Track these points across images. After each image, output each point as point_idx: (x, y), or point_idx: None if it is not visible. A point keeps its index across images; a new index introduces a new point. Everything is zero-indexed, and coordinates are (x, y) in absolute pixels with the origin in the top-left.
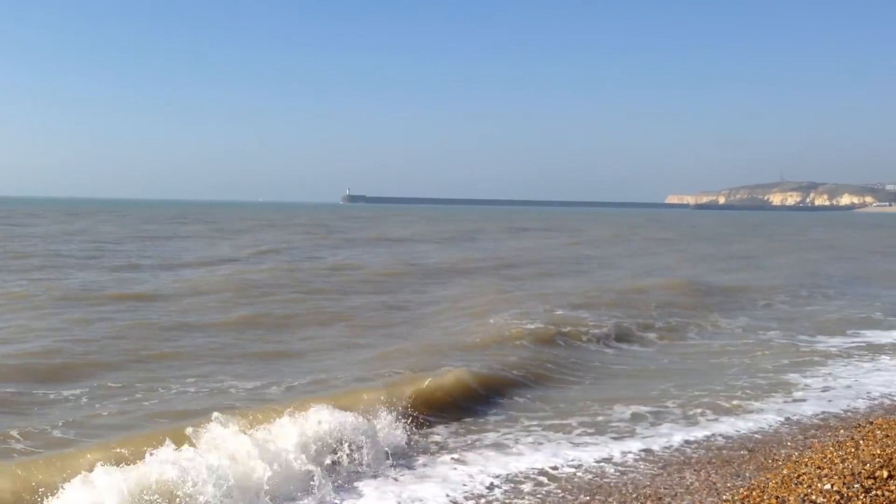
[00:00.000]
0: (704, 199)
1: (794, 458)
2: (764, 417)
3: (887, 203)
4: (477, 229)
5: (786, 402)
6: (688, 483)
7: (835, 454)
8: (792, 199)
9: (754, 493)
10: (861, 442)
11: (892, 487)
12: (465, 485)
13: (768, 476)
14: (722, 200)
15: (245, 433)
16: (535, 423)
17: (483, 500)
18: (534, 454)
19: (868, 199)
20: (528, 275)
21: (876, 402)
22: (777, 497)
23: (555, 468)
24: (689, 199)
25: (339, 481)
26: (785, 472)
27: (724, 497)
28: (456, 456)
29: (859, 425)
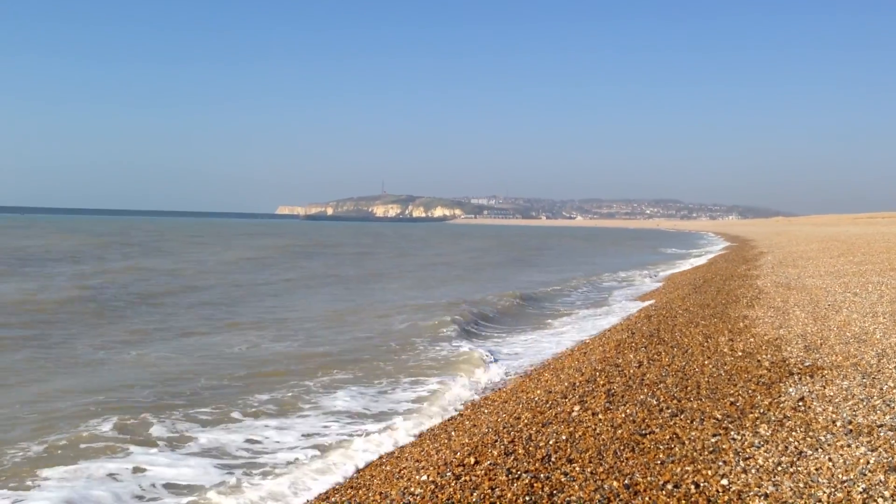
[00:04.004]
0: (314, 210)
1: (395, 453)
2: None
3: (472, 215)
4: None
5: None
6: None
7: (430, 446)
8: (393, 210)
9: (360, 492)
10: (453, 433)
11: (479, 472)
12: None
13: (373, 473)
14: (330, 211)
15: None
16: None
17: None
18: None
19: (457, 211)
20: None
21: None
22: (381, 493)
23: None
24: (300, 210)
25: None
26: (388, 468)
27: (334, 499)
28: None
29: (452, 417)
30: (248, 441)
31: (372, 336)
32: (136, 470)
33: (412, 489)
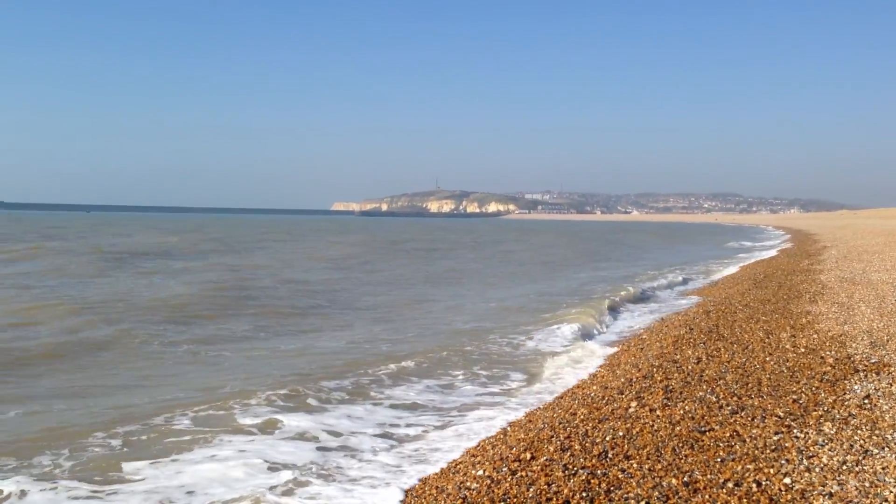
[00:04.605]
0: (369, 206)
1: (448, 448)
2: None
3: (527, 210)
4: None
5: None
6: None
7: (486, 441)
8: (447, 206)
9: (416, 486)
10: (508, 428)
11: (535, 468)
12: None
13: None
14: (385, 207)
15: None
16: None
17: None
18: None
19: (511, 206)
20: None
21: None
22: (437, 487)
23: None
24: (355, 206)
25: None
26: (444, 464)
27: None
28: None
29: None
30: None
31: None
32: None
33: (468, 483)
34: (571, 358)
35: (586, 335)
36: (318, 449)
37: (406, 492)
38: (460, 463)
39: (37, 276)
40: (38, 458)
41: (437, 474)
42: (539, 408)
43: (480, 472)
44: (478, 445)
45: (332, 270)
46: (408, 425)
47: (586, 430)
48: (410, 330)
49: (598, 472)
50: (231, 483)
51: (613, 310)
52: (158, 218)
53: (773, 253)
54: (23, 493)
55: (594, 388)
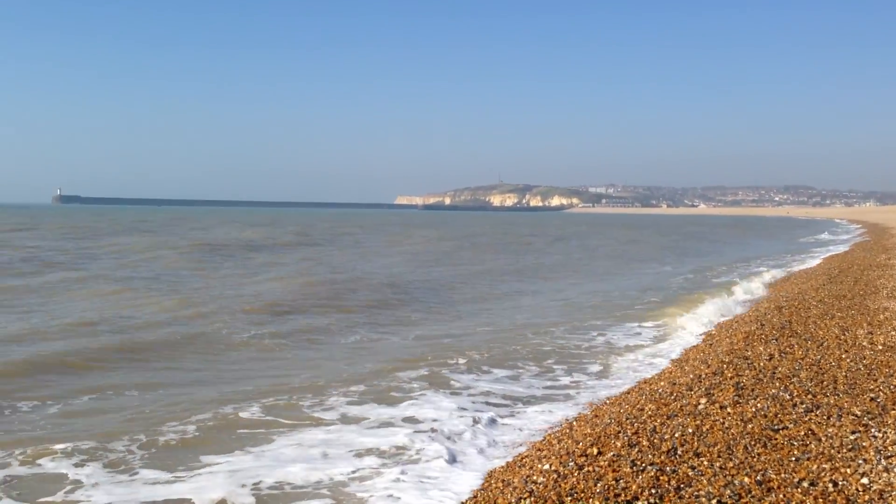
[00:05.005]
0: (432, 200)
1: (517, 442)
2: None
3: (590, 204)
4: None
5: None
6: None
7: (552, 436)
8: (510, 199)
9: (483, 479)
10: (574, 423)
11: (602, 463)
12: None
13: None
14: (448, 201)
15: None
16: None
17: None
18: None
19: (575, 200)
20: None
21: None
22: (503, 480)
23: None
24: (418, 200)
25: None
26: (510, 458)
27: None
28: None
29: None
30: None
31: None
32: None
33: (534, 477)
34: (643, 353)
35: (662, 332)
36: (397, 438)
37: (486, 474)
38: (526, 457)
39: (144, 269)
40: (155, 436)
41: (503, 467)
42: (606, 402)
43: (547, 467)
44: (544, 439)
45: (418, 264)
46: (477, 419)
47: (654, 426)
48: (494, 323)
49: (667, 468)
50: (314, 467)
51: (689, 306)
52: (228, 212)
53: (847, 247)
54: (132, 471)
55: (662, 383)
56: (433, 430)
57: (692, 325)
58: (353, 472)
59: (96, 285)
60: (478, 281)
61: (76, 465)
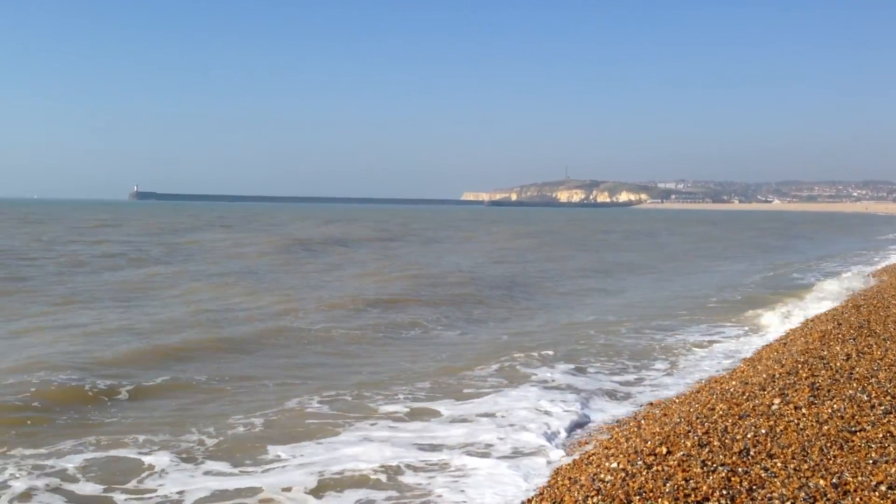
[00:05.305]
0: (498, 196)
1: (583, 440)
2: None
3: (659, 200)
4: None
5: None
6: None
7: (619, 433)
8: (577, 195)
9: (549, 476)
10: (642, 421)
11: (671, 462)
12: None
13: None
14: (514, 197)
15: None
16: None
17: None
18: None
19: (643, 195)
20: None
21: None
22: (570, 478)
23: None
24: (485, 196)
25: None
26: (576, 455)
27: None
28: None
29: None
30: None
31: None
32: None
33: (602, 475)
34: (715, 352)
35: (736, 331)
36: (467, 431)
37: (552, 471)
38: (593, 454)
39: (233, 264)
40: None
41: (569, 465)
42: (675, 401)
43: (614, 465)
44: (611, 437)
45: (495, 259)
46: (546, 413)
47: (725, 426)
48: (568, 319)
49: (739, 469)
50: (380, 459)
51: (764, 305)
52: (299, 208)
53: None
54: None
55: (733, 383)
56: (503, 426)
57: (766, 324)
58: (419, 463)
59: (194, 280)
60: (554, 277)
61: (148, 454)
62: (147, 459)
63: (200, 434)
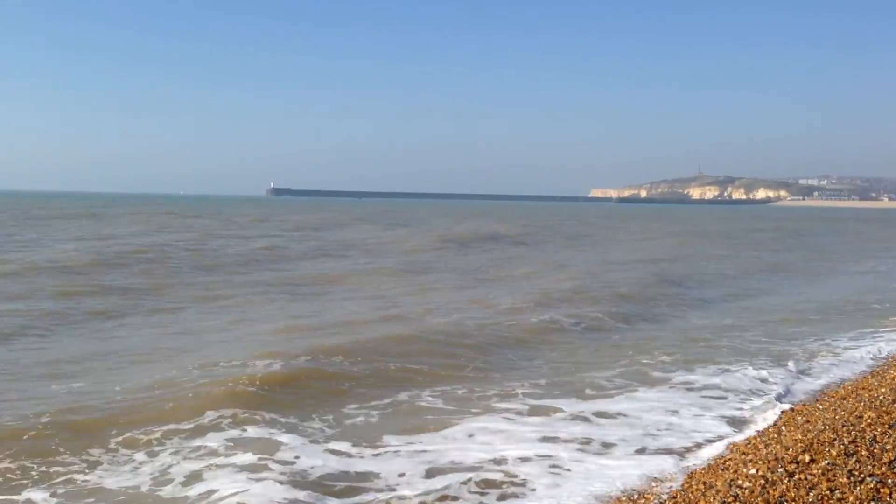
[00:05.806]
0: (627, 193)
1: (716, 443)
2: None
3: (800, 197)
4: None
5: None
6: None
7: (758, 439)
8: (710, 192)
9: (683, 481)
10: (783, 427)
11: (815, 471)
12: None
13: (695, 463)
14: (644, 194)
15: None
16: None
17: None
18: None
19: (782, 192)
20: None
21: None
22: (705, 483)
23: None
24: (613, 193)
25: None
26: (711, 460)
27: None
28: None
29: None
30: None
31: None
32: None
33: (739, 482)
34: (862, 359)
35: (887, 337)
36: (583, 429)
37: (686, 475)
38: (729, 459)
39: (403, 260)
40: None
41: (703, 469)
42: (818, 408)
43: (753, 471)
44: (748, 443)
45: (660, 259)
46: (674, 411)
47: (874, 436)
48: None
49: (889, 481)
50: (482, 453)
51: None
52: (429, 204)
53: None
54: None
55: (883, 390)
56: (625, 425)
57: None
58: (528, 457)
59: (378, 277)
60: (714, 278)
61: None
62: (280, 437)
63: (321, 416)
